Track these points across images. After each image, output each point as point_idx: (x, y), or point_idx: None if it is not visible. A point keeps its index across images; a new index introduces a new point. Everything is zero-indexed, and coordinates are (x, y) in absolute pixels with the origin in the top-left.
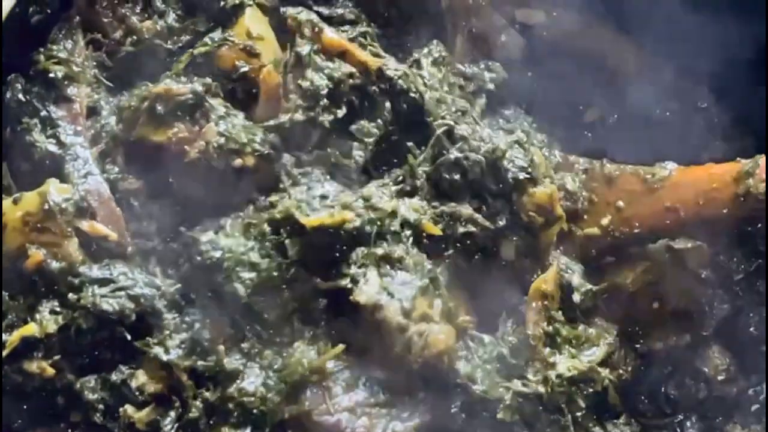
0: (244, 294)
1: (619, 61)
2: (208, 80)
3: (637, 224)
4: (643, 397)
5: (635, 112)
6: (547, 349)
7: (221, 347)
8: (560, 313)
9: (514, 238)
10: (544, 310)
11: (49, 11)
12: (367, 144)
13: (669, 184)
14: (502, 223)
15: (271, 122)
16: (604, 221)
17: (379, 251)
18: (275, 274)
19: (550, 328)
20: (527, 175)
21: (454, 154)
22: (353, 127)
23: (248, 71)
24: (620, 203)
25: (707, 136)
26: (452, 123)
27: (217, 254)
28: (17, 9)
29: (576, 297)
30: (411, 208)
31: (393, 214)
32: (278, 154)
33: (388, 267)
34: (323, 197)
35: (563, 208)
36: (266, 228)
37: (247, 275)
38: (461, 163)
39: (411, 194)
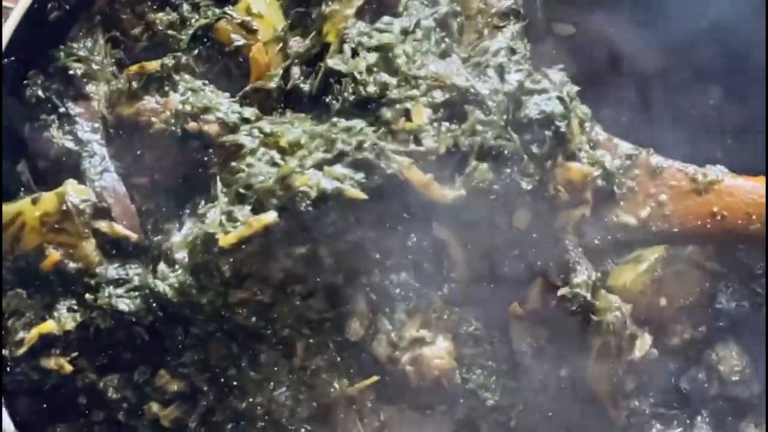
0: (197, 333)
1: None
2: (179, 54)
3: (677, 223)
4: (654, 388)
5: (653, 112)
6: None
7: (243, 363)
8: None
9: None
10: (526, 331)
11: (67, 7)
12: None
13: (719, 189)
14: (527, 186)
15: (248, 87)
16: (643, 213)
17: (363, 279)
18: (220, 303)
19: (536, 344)
20: (548, 118)
21: (492, 61)
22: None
23: (242, 46)
24: (663, 197)
25: (719, 135)
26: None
27: (163, 295)
28: (36, 5)
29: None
30: (330, 176)
31: (305, 193)
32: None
33: (373, 295)
34: (247, 187)
35: (597, 187)
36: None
37: (193, 314)
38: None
39: (332, 162)
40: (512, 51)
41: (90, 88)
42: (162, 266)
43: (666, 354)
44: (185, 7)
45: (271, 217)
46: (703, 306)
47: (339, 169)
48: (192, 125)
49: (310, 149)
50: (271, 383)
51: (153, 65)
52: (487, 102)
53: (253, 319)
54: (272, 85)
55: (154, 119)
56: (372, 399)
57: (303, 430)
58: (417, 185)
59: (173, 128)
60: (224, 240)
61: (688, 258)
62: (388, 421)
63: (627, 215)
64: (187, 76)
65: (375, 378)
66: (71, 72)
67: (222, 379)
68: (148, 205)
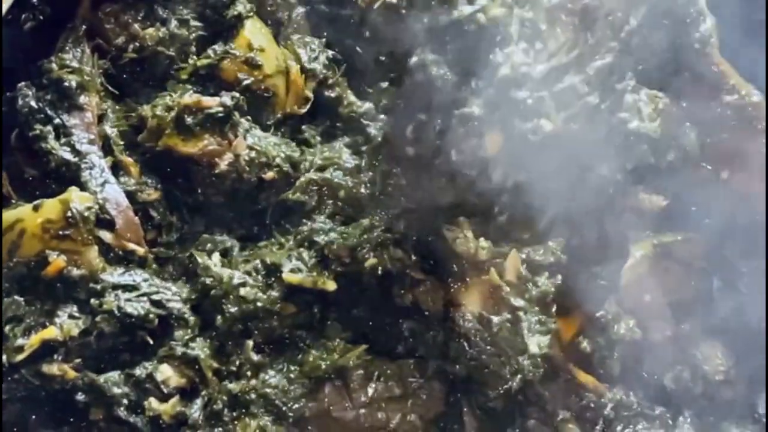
0: (221, 323)
1: None
2: (236, 94)
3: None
4: (640, 383)
5: None
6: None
7: (250, 342)
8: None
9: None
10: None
11: (41, 17)
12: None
13: None
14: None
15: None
16: (725, 173)
17: None
18: (263, 306)
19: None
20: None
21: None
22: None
23: (251, 83)
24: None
25: None
26: None
27: (208, 281)
28: (9, 16)
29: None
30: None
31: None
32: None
33: None
34: (310, 243)
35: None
36: (259, 265)
37: (232, 308)
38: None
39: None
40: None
41: (83, 99)
42: (217, 257)
43: (649, 350)
44: (173, 23)
45: (331, 287)
46: (687, 304)
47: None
48: (270, 175)
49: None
50: (266, 365)
51: (210, 103)
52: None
53: (286, 330)
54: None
55: (218, 160)
56: (359, 376)
57: (296, 407)
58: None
59: (246, 175)
60: (288, 277)
61: (675, 255)
62: (376, 397)
63: (707, 171)
64: (241, 118)
65: (363, 346)
66: (66, 84)
67: (228, 364)
68: (169, 219)
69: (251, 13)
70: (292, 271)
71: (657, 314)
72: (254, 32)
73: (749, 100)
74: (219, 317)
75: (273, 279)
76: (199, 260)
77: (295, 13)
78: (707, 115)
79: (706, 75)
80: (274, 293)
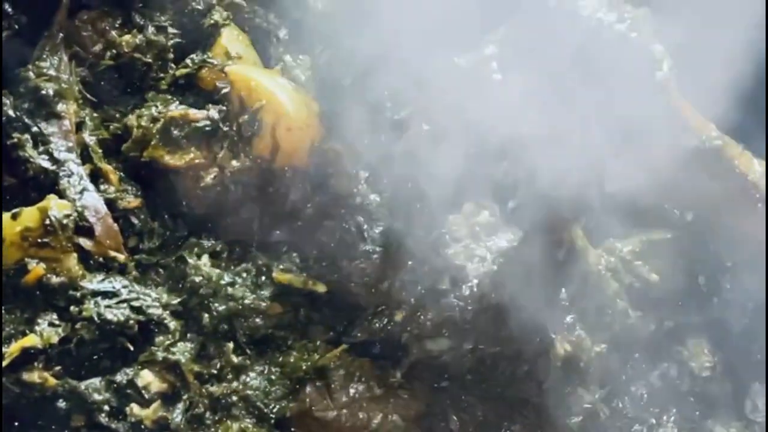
0: (207, 322)
1: None
2: (223, 107)
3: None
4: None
5: None
6: None
7: (230, 345)
8: None
9: None
10: None
11: (17, 27)
12: None
13: None
14: None
15: None
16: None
17: None
18: (250, 304)
19: None
20: None
21: None
22: None
23: (230, 91)
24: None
25: None
26: None
27: (197, 279)
28: None
29: None
30: None
31: None
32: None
33: None
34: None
35: None
36: (250, 266)
37: (220, 306)
38: None
39: None
40: None
41: (61, 107)
42: (207, 258)
43: (636, 347)
44: (150, 29)
45: (321, 289)
46: (671, 300)
47: None
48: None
49: None
50: (248, 368)
51: (198, 116)
52: None
53: (270, 330)
54: None
55: (203, 174)
56: (340, 376)
57: (277, 408)
58: None
59: (232, 188)
60: (279, 276)
61: (661, 251)
62: (357, 397)
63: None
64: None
65: (344, 346)
66: (43, 92)
67: (209, 367)
68: (151, 225)
69: (228, 21)
70: (283, 270)
71: (642, 310)
72: (231, 40)
73: (710, 145)
74: (206, 315)
75: (263, 278)
76: (189, 260)
77: (282, 32)
78: (668, 158)
79: (665, 118)
80: (263, 293)
